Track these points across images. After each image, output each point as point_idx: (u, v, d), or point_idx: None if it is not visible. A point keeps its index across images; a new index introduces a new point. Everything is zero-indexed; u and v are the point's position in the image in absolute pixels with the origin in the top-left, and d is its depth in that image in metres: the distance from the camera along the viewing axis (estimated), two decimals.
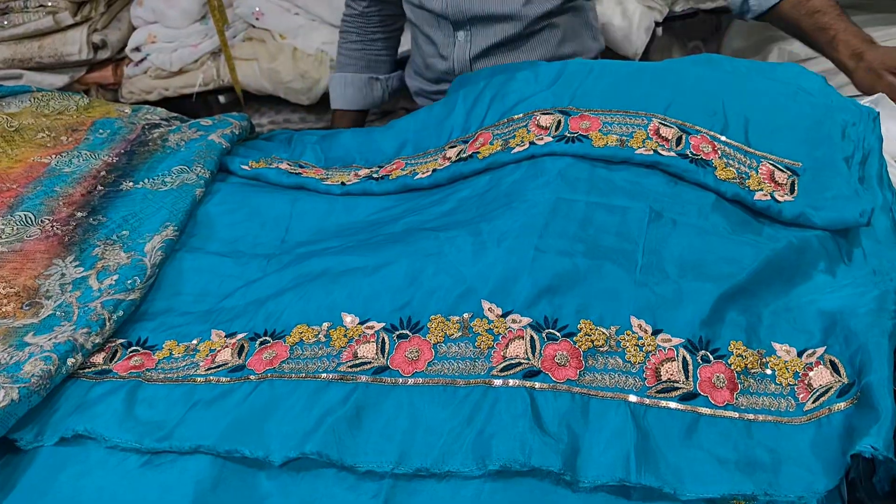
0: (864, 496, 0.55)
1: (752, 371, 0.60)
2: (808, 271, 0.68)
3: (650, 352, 0.61)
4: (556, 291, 0.64)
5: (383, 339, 0.64)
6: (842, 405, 0.57)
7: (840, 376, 0.59)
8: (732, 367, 0.61)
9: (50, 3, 1.86)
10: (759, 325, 0.63)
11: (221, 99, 1.98)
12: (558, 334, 0.62)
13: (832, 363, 0.60)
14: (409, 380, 0.61)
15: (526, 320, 0.63)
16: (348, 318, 0.68)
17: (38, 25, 1.87)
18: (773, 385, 0.60)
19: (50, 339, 0.67)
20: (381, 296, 0.68)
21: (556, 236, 0.68)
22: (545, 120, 0.81)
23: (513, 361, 0.60)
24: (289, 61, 1.86)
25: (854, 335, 0.60)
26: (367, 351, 0.64)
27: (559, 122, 0.80)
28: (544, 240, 0.67)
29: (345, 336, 0.66)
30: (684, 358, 0.61)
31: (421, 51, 1.30)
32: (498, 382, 0.59)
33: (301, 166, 0.97)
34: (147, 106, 1.15)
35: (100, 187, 0.88)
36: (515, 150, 0.80)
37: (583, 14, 1.24)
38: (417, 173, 0.87)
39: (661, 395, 0.59)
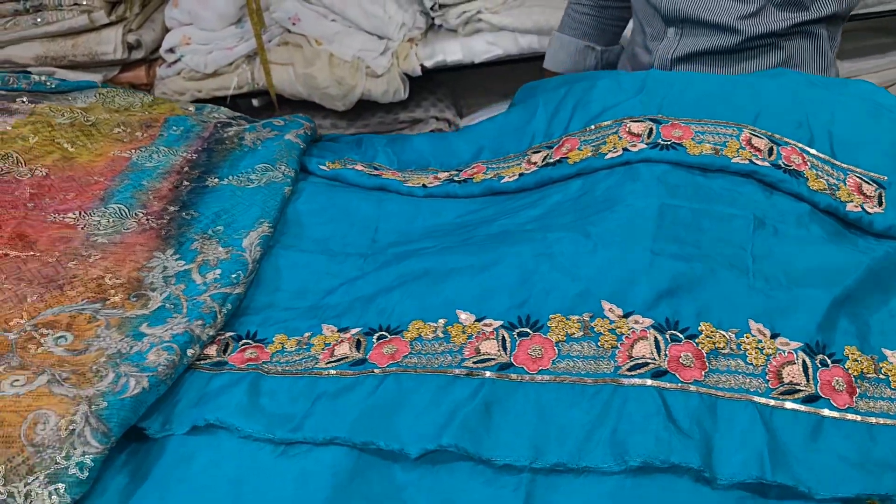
0: None
1: (868, 376, 0.62)
2: None
3: (770, 355, 0.62)
4: (675, 294, 0.65)
5: (503, 336, 0.65)
6: None
7: None
8: (849, 372, 0.62)
9: (85, 2, 1.85)
10: (868, 332, 0.65)
11: (255, 102, 1.99)
12: (681, 336, 0.63)
13: None
14: (537, 377, 0.62)
15: (648, 321, 0.64)
16: (463, 315, 0.68)
17: (73, 24, 1.86)
18: (889, 390, 0.62)
19: (167, 331, 0.67)
20: (495, 294, 0.69)
21: (669, 240, 0.69)
22: (637, 127, 0.82)
23: (639, 361, 0.61)
24: (325, 67, 1.87)
25: None
26: (490, 347, 0.65)
27: (651, 129, 0.82)
28: (658, 243, 0.69)
29: (463, 332, 0.67)
30: (804, 361, 0.62)
31: (633, 38, 1.28)
32: (627, 382, 0.60)
33: (376, 168, 0.98)
34: (210, 105, 1.15)
35: (185, 183, 0.88)
36: (609, 156, 0.81)
37: (817, 40, 1.14)
38: (503, 177, 0.88)
39: (785, 396, 0.60)
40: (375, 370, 0.65)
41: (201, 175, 0.90)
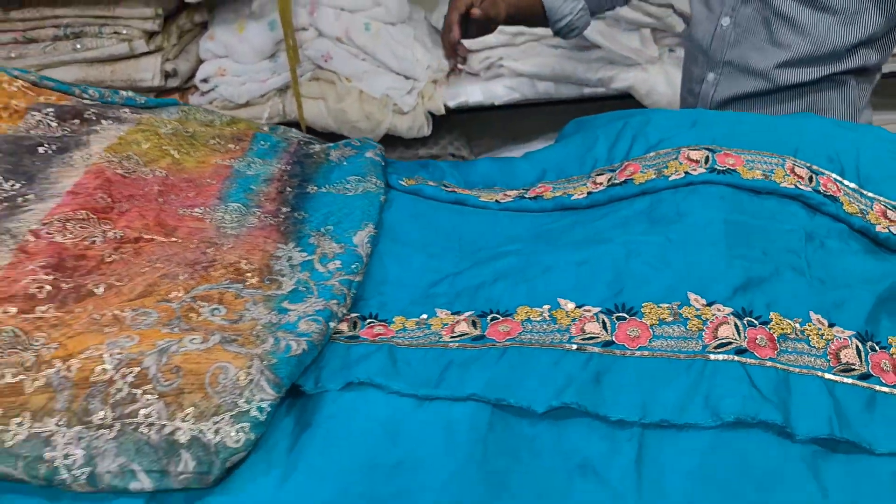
0: None
1: None
2: None
3: (829, 340, 0.74)
4: (748, 289, 0.77)
5: (604, 320, 0.76)
6: None
7: None
8: (893, 356, 0.74)
9: (124, 32, 1.95)
10: None
11: None
12: (756, 322, 0.75)
13: None
14: (637, 352, 0.72)
15: (728, 309, 0.75)
16: (564, 302, 0.79)
17: (113, 51, 1.95)
18: None
19: (308, 307, 0.76)
20: (592, 286, 0.79)
21: (738, 245, 0.81)
22: (695, 154, 0.95)
23: (724, 341, 0.72)
24: (355, 103, 1.98)
25: None
26: (593, 328, 0.75)
27: (707, 156, 0.95)
28: (730, 249, 0.81)
29: (567, 316, 0.77)
30: (857, 346, 0.74)
31: (682, 84, 1.42)
32: (714, 357, 0.71)
33: (446, 185, 1.09)
34: (282, 126, 1.26)
35: (288, 189, 0.98)
36: (672, 178, 0.94)
37: (844, 90, 1.24)
38: (572, 195, 1.00)
39: (843, 374, 0.72)
40: (496, 344, 0.75)
41: (301, 183, 1.00)
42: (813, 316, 0.76)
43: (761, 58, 1.23)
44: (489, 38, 1.95)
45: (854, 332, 0.75)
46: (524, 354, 0.73)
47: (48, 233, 0.77)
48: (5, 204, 0.81)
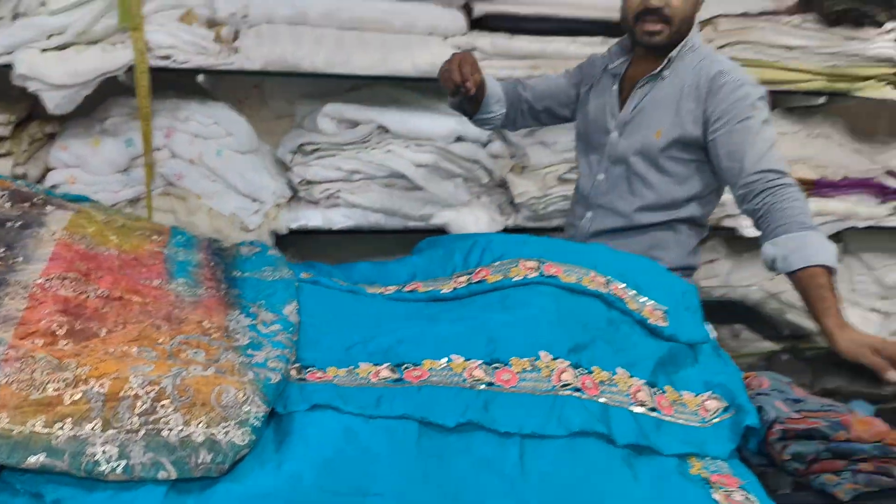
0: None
1: (677, 401, 1.11)
2: (686, 358, 1.24)
3: (630, 385, 1.10)
4: (577, 351, 1.12)
5: (485, 368, 1.06)
6: (726, 416, 1.10)
7: (720, 404, 1.12)
8: (668, 397, 1.12)
9: None
10: (675, 381, 1.16)
11: None
12: (584, 371, 1.09)
13: (715, 398, 1.14)
14: (510, 389, 1.03)
15: (567, 363, 1.09)
16: (456, 357, 1.08)
17: None
18: (687, 410, 1.11)
19: (267, 353, 0.98)
20: (473, 347, 1.10)
21: (567, 323, 1.17)
22: (529, 263, 1.32)
23: (566, 383, 1.05)
24: (206, 218, 2.18)
25: (720, 385, 1.15)
26: (479, 374, 1.04)
27: (538, 265, 1.32)
28: (561, 324, 1.16)
29: (460, 366, 1.06)
30: (647, 390, 1.10)
31: (568, 218, 1.89)
32: (561, 393, 1.03)
33: (336, 279, 1.36)
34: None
35: (218, 272, 1.19)
36: (515, 279, 1.29)
37: (678, 234, 1.77)
38: (441, 290, 1.31)
39: (640, 406, 1.07)
40: (413, 383, 1.01)
41: (226, 269, 1.20)
42: (619, 370, 1.13)
43: (624, 203, 1.77)
44: (329, 173, 2.27)
45: (645, 381, 1.12)
46: (435, 390, 1.00)
47: (51, 286, 0.93)
48: (0, 263, 0.95)
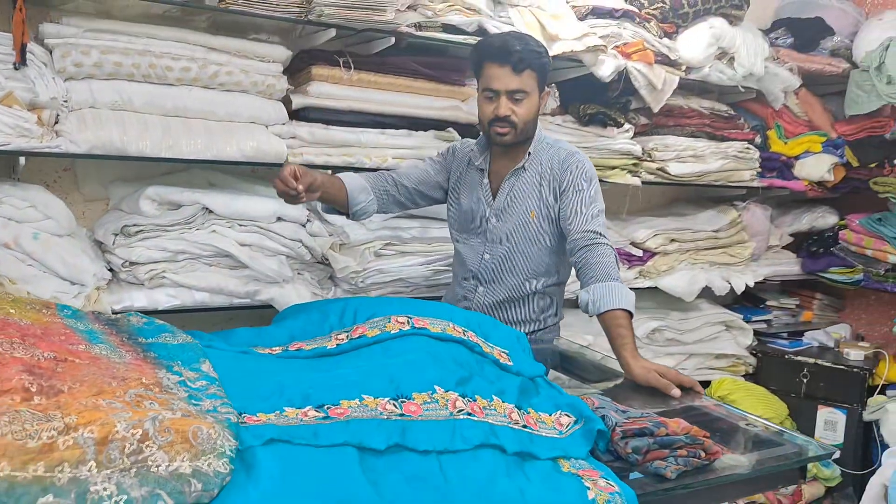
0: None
1: (538, 420, 1.37)
2: (533, 388, 1.51)
3: (505, 409, 1.34)
4: (461, 384, 1.34)
5: (394, 403, 1.24)
6: (577, 427, 1.37)
7: (571, 419, 1.40)
8: (532, 417, 1.37)
9: None
10: (533, 405, 1.42)
11: None
12: (470, 399, 1.31)
13: (567, 415, 1.41)
14: (418, 418, 1.22)
15: (456, 394, 1.30)
16: (366, 396, 1.24)
17: None
18: (548, 425, 1.37)
19: (210, 402, 1.07)
20: (378, 387, 1.27)
21: (447, 362, 1.39)
22: (401, 318, 1.52)
23: (460, 409, 1.26)
24: None
25: (568, 405, 1.43)
26: (390, 408, 1.22)
27: (408, 319, 1.53)
28: (444, 364, 1.38)
29: (372, 402, 1.23)
30: (517, 412, 1.35)
31: (454, 289, 2.15)
32: (458, 417, 1.24)
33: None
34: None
35: (125, 338, 1.25)
36: (393, 332, 1.49)
37: (554, 295, 2.20)
38: (326, 346, 1.47)
39: (515, 424, 1.31)
40: (340, 418, 1.15)
41: (130, 336, 1.25)
42: (494, 398, 1.36)
43: (512, 277, 2.13)
44: (154, 254, 2.31)
45: (514, 405, 1.37)
46: (361, 422, 1.16)
47: (3, 349, 0.96)
48: None
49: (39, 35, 2.17)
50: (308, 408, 1.20)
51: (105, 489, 0.83)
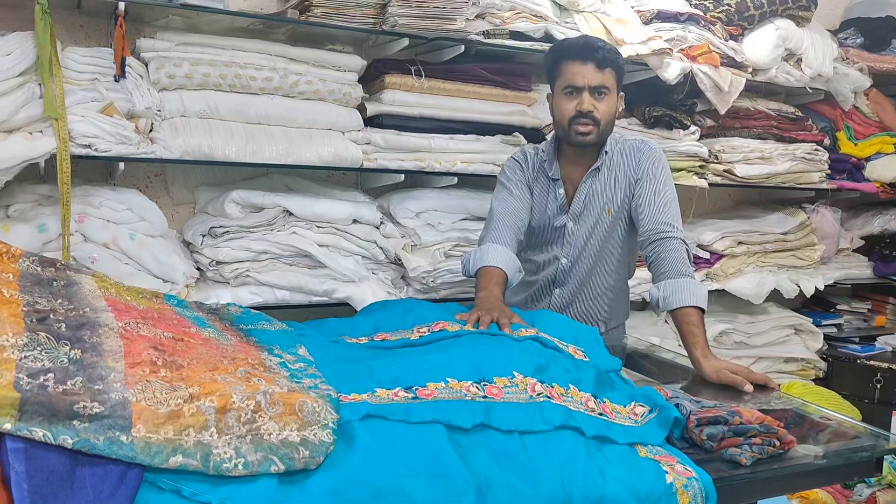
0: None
1: (613, 410, 1.43)
2: (608, 382, 1.56)
3: (582, 397, 1.40)
4: (539, 371, 1.40)
5: (476, 386, 1.31)
6: (652, 416, 1.42)
7: (645, 408, 1.44)
8: (608, 406, 1.42)
9: None
10: (610, 396, 1.47)
11: None
12: (548, 385, 1.37)
13: (641, 405, 1.46)
14: (499, 400, 1.29)
15: (535, 380, 1.37)
16: (451, 380, 1.32)
17: None
18: (622, 415, 1.42)
19: (310, 381, 1.16)
20: (461, 370, 1.34)
21: (526, 351, 1.46)
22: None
23: (539, 392, 1.33)
24: None
25: (642, 395, 1.48)
26: (474, 390, 1.29)
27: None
28: (523, 352, 1.44)
29: (458, 384, 1.30)
30: (593, 400, 1.41)
31: (523, 289, 2.17)
32: (538, 399, 1.31)
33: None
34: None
35: (228, 324, 1.36)
36: (471, 330, 1.57)
37: (624, 293, 2.28)
38: (410, 337, 1.56)
39: (591, 412, 1.37)
40: (427, 399, 1.23)
41: (231, 324, 1.36)
42: (571, 386, 1.42)
43: (589, 275, 2.18)
44: (238, 254, 2.43)
45: (590, 394, 1.43)
46: (447, 402, 1.24)
47: (131, 328, 1.07)
48: (74, 312, 1.08)
49: (136, 49, 2.33)
50: (398, 389, 1.28)
51: (225, 453, 0.93)
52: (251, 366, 1.15)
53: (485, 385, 1.33)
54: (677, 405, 1.44)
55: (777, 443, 1.39)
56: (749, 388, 1.75)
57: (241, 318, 1.45)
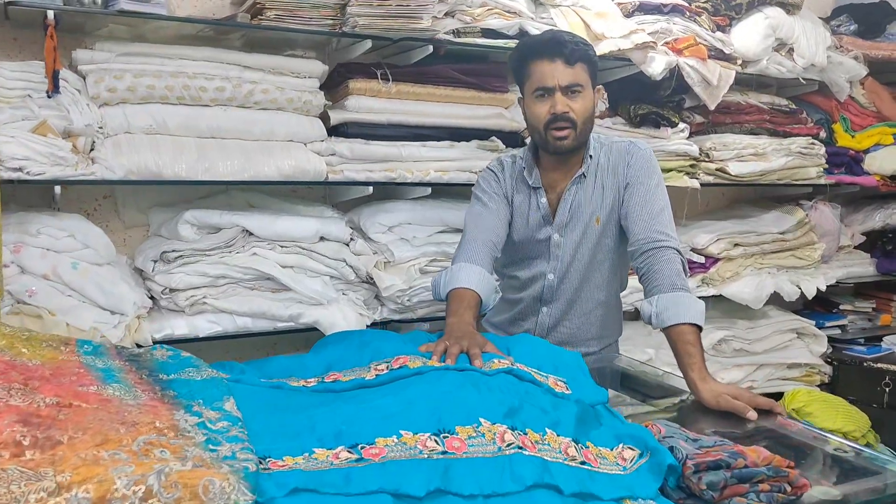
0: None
1: (598, 455, 1.23)
2: (593, 418, 1.37)
3: (560, 443, 1.20)
4: (510, 415, 1.21)
5: (435, 439, 1.12)
6: (642, 461, 1.23)
7: (635, 452, 1.25)
8: (591, 451, 1.23)
9: None
10: (592, 439, 1.28)
11: None
12: (521, 432, 1.18)
13: (630, 448, 1.26)
14: (462, 455, 1.09)
15: (505, 426, 1.17)
16: (405, 432, 1.13)
17: None
18: (609, 461, 1.23)
19: (230, 447, 0.97)
20: (418, 421, 1.15)
21: (496, 391, 1.26)
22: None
23: (511, 442, 1.13)
24: (64, 334, 2.05)
25: (631, 437, 1.29)
26: (432, 444, 1.10)
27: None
28: (492, 393, 1.25)
29: (411, 440, 1.11)
30: (574, 446, 1.21)
31: (506, 308, 2.00)
32: (508, 452, 1.12)
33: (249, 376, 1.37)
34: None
35: (145, 376, 1.16)
36: (436, 365, 1.38)
37: (615, 308, 2.07)
38: (365, 377, 1.36)
39: (572, 461, 1.18)
40: (374, 461, 1.04)
41: (150, 373, 1.17)
42: (548, 431, 1.23)
43: (577, 290, 1.98)
44: (194, 280, 2.24)
45: (570, 439, 1.24)
46: (398, 464, 1.05)
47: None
48: None
49: (73, 62, 2.14)
50: (340, 448, 1.10)
51: None
52: (158, 431, 0.96)
53: (445, 437, 1.14)
54: (671, 448, 1.25)
55: (788, 488, 1.20)
56: (753, 415, 1.56)
57: (165, 364, 1.26)
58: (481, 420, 1.19)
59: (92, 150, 2.11)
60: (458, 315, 1.69)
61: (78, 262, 2.12)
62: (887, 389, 3.32)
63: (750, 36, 2.97)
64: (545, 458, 1.15)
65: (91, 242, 2.14)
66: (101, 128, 2.13)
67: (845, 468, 1.40)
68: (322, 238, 2.42)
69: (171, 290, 2.24)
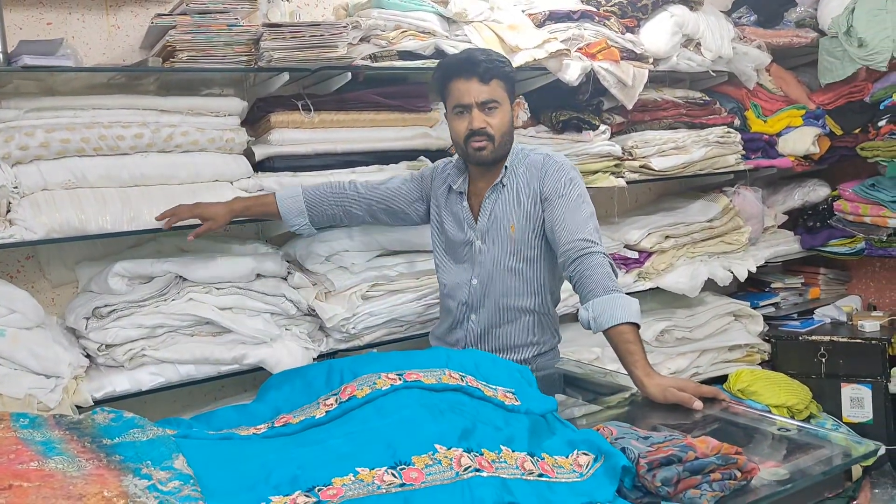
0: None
1: (554, 465, 1.25)
2: (545, 429, 1.39)
3: (516, 458, 1.22)
4: (464, 437, 1.22)
5: (392, 472, 1.11)
6: (597, 465, 1.25)
7: (589, 457, 1.27)
8: (547, 462, 1.25)
9: None
10: (546, 449, 1.29)
11: None
12: (476, 453, 1.18)
13: (585, 453, 1.29)
14: (421, 485, 1.09)
15: (460, 450, 1.18)
16: (361, 469, 1.12)
17: None
18: (565, 469, 1.25)
19: None
20: (372, 456, 1.15)
21: (447, 413, 1.27)
22: (391, 375, 1.41)
23: (468, 465, 1.14)
24: None
25: (584, 442, 1.31)
26: (389, 478, 1.10)
27: (398, 374, 1.41)
28: (444, 416, 1.25)
29: (368, 476, 1.10)
30: (530, 460, 1.23)
31: (444, 318, 2.05)
32: (466, 476, 1.12)
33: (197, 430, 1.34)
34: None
35: (88, 444, 1.13)
36: (384, 389, 1.37)
37: (552, 313, 2.10)
38: (315, 416, 1.35)
39: (529, 475, 1.19)
40: (333, 500, 1.03)
41: (94, 439, 1.13)
42: (503, 448, 1.24)
43: (505, 298, 2.03)
44: (130, 333, 2.18)
45: (525, 453, 1.25)
46: (356, 502, 1.04)
47: None
48: None
49: None
50: (297, 493, 1.08)
51: None
52: (107, 500, 0.93)
53: (402, 469, 1.14)
54: (623, 449, 1.27)
55: (738, 474, 1.25)
56: (698, 405, 1.61)
57: (108, 428, 1.22)
58: (436, 447, 1.19)
59: (8, 211, 2.04)
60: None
61: (5, 329, 2.04)
62: (823, 360, 3.45)
63: (658, 35, 3.06)
64: (503, 475, 1.16)
65: (17, 307, 2.07)
66: (16, 188, 2.06)
67: (791, 446, 1.46)
68: (259, 275, 2.39)
69: (108, 346, 2.17)
